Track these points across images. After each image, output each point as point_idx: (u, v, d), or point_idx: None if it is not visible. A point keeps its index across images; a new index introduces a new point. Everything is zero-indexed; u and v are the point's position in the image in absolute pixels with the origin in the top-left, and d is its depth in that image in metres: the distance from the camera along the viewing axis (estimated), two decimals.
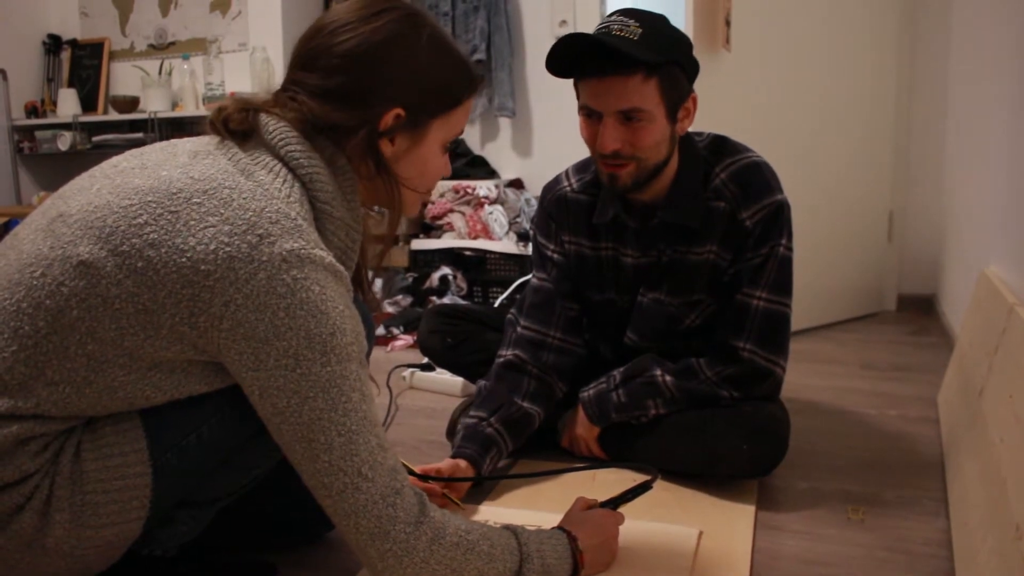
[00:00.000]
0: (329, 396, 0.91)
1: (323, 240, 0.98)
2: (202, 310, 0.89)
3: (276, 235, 0.90)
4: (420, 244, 3.48)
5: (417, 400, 2.19)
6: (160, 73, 3.99)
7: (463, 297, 3.37)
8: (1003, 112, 1.98)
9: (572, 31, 3.45)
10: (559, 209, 1.66)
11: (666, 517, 1.37)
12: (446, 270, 3.38)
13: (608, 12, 2.83)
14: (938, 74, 3.19)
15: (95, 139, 3.95)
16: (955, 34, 3.04)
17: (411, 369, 2.30)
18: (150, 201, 0.91)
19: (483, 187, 3.41)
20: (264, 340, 0.89)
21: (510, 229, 3.36)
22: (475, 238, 3.39)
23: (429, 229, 3.54)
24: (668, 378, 1.54)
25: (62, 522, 0.91)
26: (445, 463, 1.42)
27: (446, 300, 3.29)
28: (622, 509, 1.23)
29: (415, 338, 2.19)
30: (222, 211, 0.90)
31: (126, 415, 0.95)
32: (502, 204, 3.40)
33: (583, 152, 1.54)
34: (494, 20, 3.60)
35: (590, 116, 1.44)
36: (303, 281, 0.90)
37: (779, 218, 1.51)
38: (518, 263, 3.31)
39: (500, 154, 3.80)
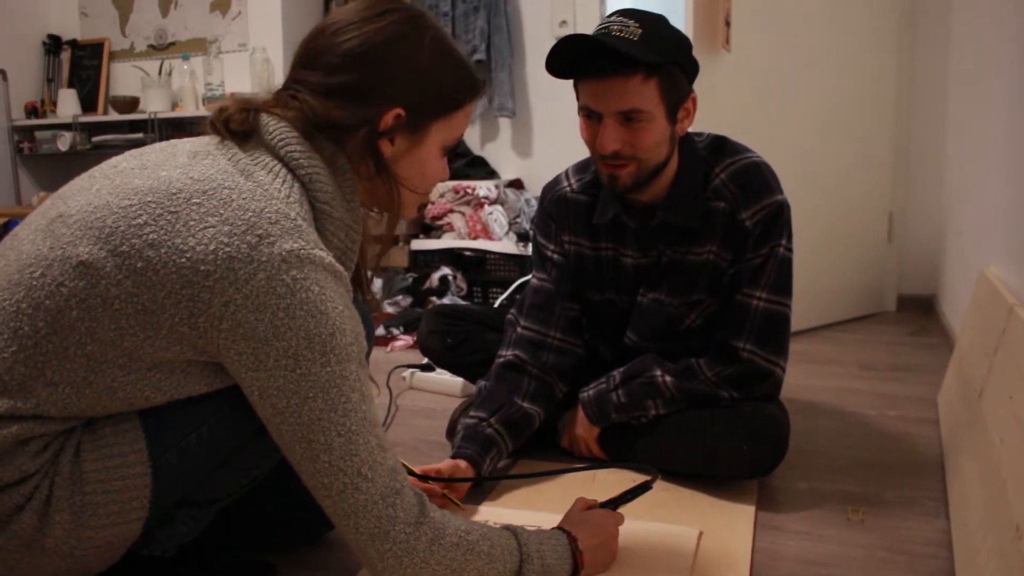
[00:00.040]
0: (329, 396, 0.91)
1: (323, 240, 0.98)
2: (201, 310, 0.89)
3: (276, 235, 0.90)
4: (420, 244, 3.48)
5: (417, 400, 2.19)
6: (160, 73, 3.99)
7: (463, 297, 3.37)
8: (1003, 112, 1.98)
9: (572, 31, 3.47)
10: (559, 209, 1.66)
11: (666, 517, 1.37)
12: (446, 270, 3.38)
13: (608, 12, 2.84)
14: (938, 74, 3.19)
15: (95, 139, 3.95)
16: (955, 34, 3.04)
17: (411, 369, 2.30)
18: (150, 201, 0.91)
19: (483, 187, 3.41)
20: (264, 340, 0.89)
21: (510, 229, 3.36)
22: (475, 238, 3.39)
23: (429, 229, 3.54)
24: (668, 378, 1.54)
25: (62, 522, 0.91)
26: (445, 463, 1.42)
27: (446, 300, 3.29)
28: (622, 509, 1.23)
29: (415, 338, 2.19)
30: (222, 211, 0.90)
31: (126, 415, 0.95)
32: (502, 204, 3.40)
33: (583, 152, 1.54)
34: (494, 20, 3.60)
35: (590, 117, 1.44)
36: (303, 281, 0.90)
37: (779, 218, 1.51)
38: (518, 263, 3.31)
39: (500, 154, 3.80)
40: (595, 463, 1.61)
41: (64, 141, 3.94)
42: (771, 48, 2.71)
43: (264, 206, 0.92)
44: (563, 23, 3.59)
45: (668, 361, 1.57)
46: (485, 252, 3.37)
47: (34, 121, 4.10)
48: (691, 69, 1.46)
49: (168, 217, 0.90)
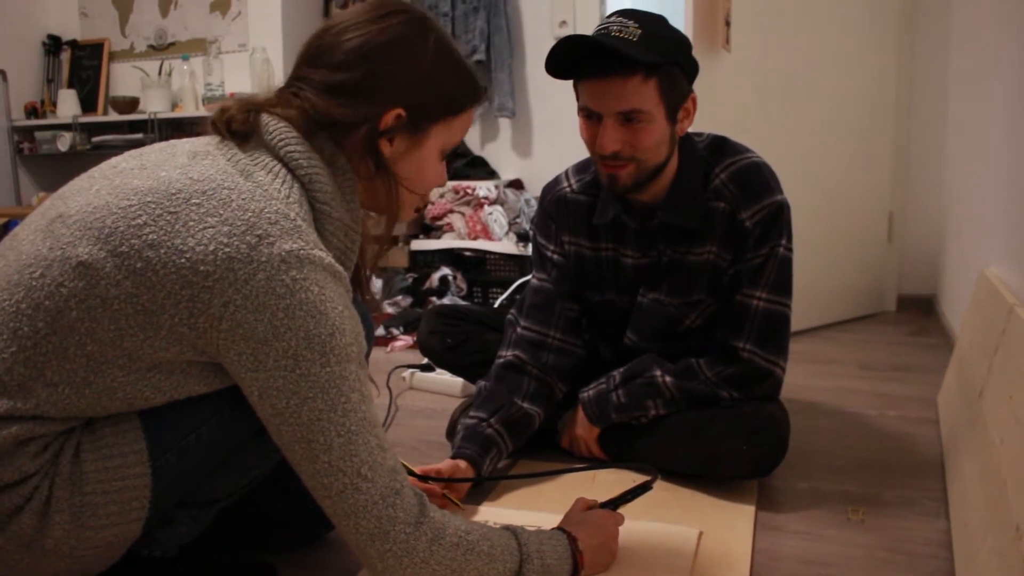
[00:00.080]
0: (328, 397, 0.91)
1: (322, 241, 0.98)
2: (201, 311, 0.89)
3: (275, 236, 0.90)
4: (420, 244, 3.48)
5: (417, 401, 2.19)
6: (160, 74, 3.99)
7: (463, 298, 3.37)
8: (1003, 112, 1.98)
9: (572, 32, 3.47)
10: (559, 210, 1.66)
11: (666, 517, 1.37)
12: (446, 270, 3.38)
13: (608, 13, 2.84)
14: (938, 74, 3.19)
15: (95, 140, 3.95)
16: (955, 34, 3.04)
17: (411, 370, 2.30)
18: (149, 202, 0.91)
19: (483, 187, 3.42)
20: (263, 341, 0.89)
21: (510, 230, 3.36)
22: (475, 239, 3.39)
23: (429, 230, 3.54)
24: (668, 378, 1.54)
25: (62, 523, 0.91)
26: (445, 464, 1.42)
27: (446, 301, 3.29)
28: (622, 509, 1.23)
29: (415, 339, 2.19)
30: (221, 212, 0.90)
31: (125, 416, 0.95)
32: (502, 205, 3.40)
33: (583, 153, 1.54)
34: (494, 21, 3.60)
35: (590, 117, 1.44)
36: (302, 282, 0.90)
37: (779, 218, 1.51)
38: (518, 264, 3.31)
39: (500, 154, 3.80)
40: (595, 463, 1.61)
41: (64, 141, 3.94)
42: (771, 48, 2.71)
43: (264, 206, 0.92)
44: (563, 23, 3.59)
45: (668, 361, 1.57)
46: (485, 252, 3.37)
47: (34, 121, 4.10)
48: (691, 69, 1.46)
49: (168, 217, 0.90)
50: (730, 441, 1.46)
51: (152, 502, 0.96)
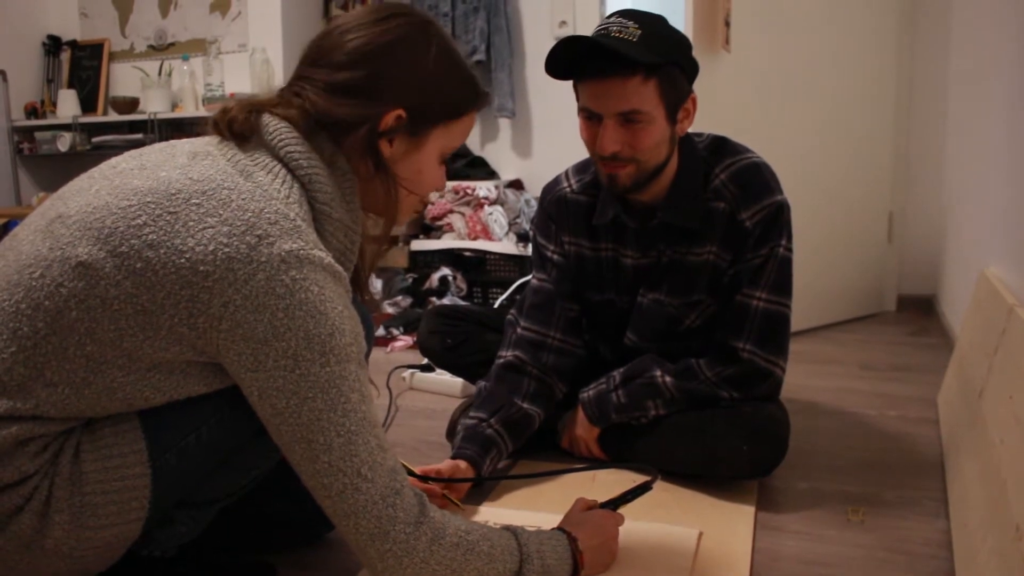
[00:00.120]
0: (328, 397, 0.91)
1: (322, 241, 0.98)
2: (201, 311, 0.89)
3: (275, 236, 0.90)
4: (420, 245, 3.48)
5: (417, 401, 2.19)
6: (160, 74, 3.99)
7: (463, 298, 3.37)
8: (1003, 112, 1.98)
9: (572, 32, 3.47)
10: (559, 210, 1.66)
11: (666, 518, 1.37)
12: (446, 271, 3.38)
13: (608, 13, 2.83)
14: (938, 74, 3.19)
15: (95, 140, 3.95)
16: (955, 34, 3.04)
17: (411, 370, 2.30)
18: (149, 202, 0.91)
19: (483, 188, 3.42)
20: (263, 341, 0.89)
21: (510, 230, 3.36)
22: (475, 239, 3.39)
23: (429, 230, 3.54)
24: (668, 379, 1.54)
25: (61, 523, 0.91)
26: (445, 464, 1.42)
27: (446, 301, 3.29)
28: (622, 510, 1.23)
29: (415, 339, 2.19)
30: (221, 212, 0.90)
31: (125, 416, 0.95)
32: (502, 205, 3.40)
33: (582, 153, 1.54)
34: (494, 21, 3.60)
35: (590, 118, 1.44)
36: (302, 282, 0.90)
37: (779, 219, 1.51)
38: (518, 264, 3.31)
39: (500, 155, 3.80)
40: (595, 463, 1.61)
41: (64, 142, 3.94)
42: (771, 48, 2.71)
43: (263, 207, 0.92)
44: (563, 23, 3.59)
45: (668, 361, 1.57)
46: (485, 252, 3.37)
47: (34, 122, 4.10)
48: (691, 69, 1.46)
49: (167, 218, 0.90)
50: (730, 441, 1.46)
51: (152, 502, 0.96)
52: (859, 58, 3.00)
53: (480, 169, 3.67)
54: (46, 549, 0.92)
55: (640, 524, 1.30)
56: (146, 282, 0.89)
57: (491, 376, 1.62)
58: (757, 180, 1.52)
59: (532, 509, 1.41)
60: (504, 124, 3.77)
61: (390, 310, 3.32)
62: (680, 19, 2.28)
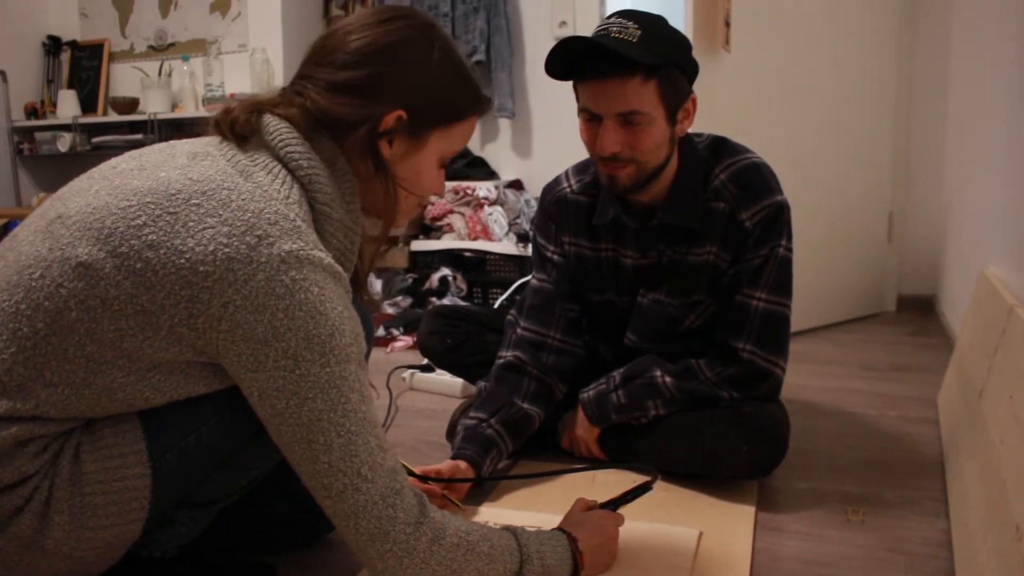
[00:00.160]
0: (328, 397, 0.91)
1: (322, 241, 0.98)
2: (201, 311, 0.89)
3: (275, 236, 0.90)
4: (420, 245, 3.48)
5: (417, 401, 2.19)
6: (160, 74, 3.99)
7: (463, 298, 3.37)
8: (1003, 112, 1.98)
9: (572, 32, 3.47)
10: (559, 210, 1.66)
11: (666, 518, 1.37)
12: (446, 271, 3.38)
13: (608, 13, 2.83)
14: (938, 74, 3.19)
15: (95, 140, 3.95)
16: (955, 34, 3.04)
17: (411, 370, 2.30)
18: (149, 202, 0.91)
19: (483, 188, 3.41)
20: (263, 341, 0.89)
21: (510, 230, 3.36)
22: (475, 239, 3.39)
23: (429, 230, 3.54)
24: (668, 379, 1.54)
25: (61, 524, 0.91)
26: (445, 464, 1.42)
27: (446, 301, 3.29)
28: (622, 510, 1.23)
29: (415, 339, 2.19)
30: (221, 212, 0.90)
31: (125, 416, 0.95)
32: (502, 205, 3.40)
33: (582, 153, 1.54)
34: (494, 21, 3.60)
35: (590, 119, 1.44)
36: (302, 282, 0.90)
37: (779, 219, 1.51)
38: (518, 264, 3.31)
39: (500, 155, 3.80)
40: (595, 464, 1.61)
41: (64, 142, 3.94)
42: (771, 48, 2.71)
43: (263, 207, 0.92)
44: (563, 24, 3.59)
45: (668, 362, 1.57)
46: (485, 253, 3.37)
47: (34, 122, 4.10)
48: (691, 70, 1.46)
49: (167, 218, 0.90)
50: (730, 441, 1.46)
51: (152, 503, 0.96)
52: (859, 58, 3.00)
53: (480, 169, 3.67)
54: (46, 550, 0.92)
55: (640, 524, 1.30)
56: (146, 282, 0.89)
57: (491, 376, 1.62)
58: (757, 180, 1.52)
59: (532, 509, 1.41)
60: (504, 124, 3.77)
61: (390, 310, 3.32)
62: (680, 19, 2.28)
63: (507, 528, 1.07)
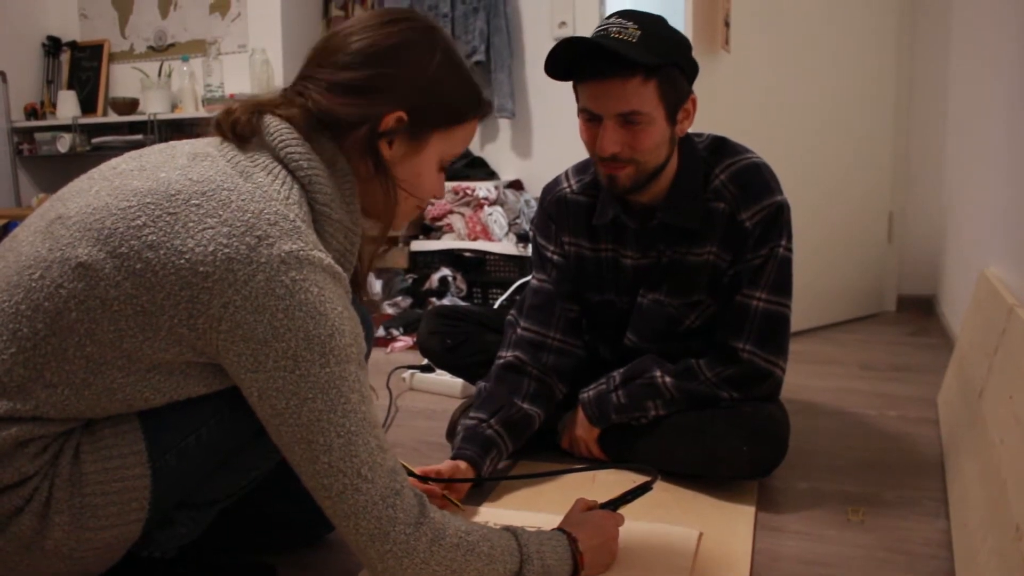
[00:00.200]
0: (328, 397, 0.91)
1: (321, 242, 0.98)
2: (200, 312, 0.89)
3: (275, 237, 0.90)
4: (419, 245, 3.48)
5: (417, 401, 2.19)
6: (159, 75, 3.99)
7: (463, 298, 3.37)
8: (1003, 112, 1.98)
9: (572, 32, 3.47)
10: (559, 210, 1.66)
11: (666, 518, 1.37)
12: (446, 271, 3.38)
13: (607, 14, 2.83)
14: (938, 74, 3.19)
15: (94, 141, 3.96)
16: (955, 34, 3.04)
17: (411, 370, 2.30)
18: (149, 203, 0.91)
19: (482, 188, 3.42)
20: (263, 341, 0.89)
21: (510, 230, 3.36)
22: (475, 239, 3.39)
23: (429, 230, 3.54)
24: (668, 379, 1.54)
25: (61, 524, 0.91)
26: (445, 464, 1.42)
27: (446, 301, 3.29)
28: (622, 510, 1.23)
29: (415, 339, 2.19)
30: (220, 213, 0.90)
31: (125, 417, 0.95)
32: (501, 205, 3.40)
33: (582, 153, 1.54)
34: (493, 22, 3.60)
35: (590, 119, 1.44)
36: (302, 283, 0.90)
37: (779, 219, 1.51)
38: (518, 264, 3.31)
39: (499, 155, 3.80)
40: (595, 464, 1.61)
41: (64, 143, 3.94)
42: (771, 48, 2.71)
43: (263, 207, 0.92)
44: (563, 24, 3.59)
45: (668, 362, 1.57)
46: (485, 253, 3.37)
47: (34, 123, 4.10)
48: (690, 70, 1.46)
49: (167, 218, 0.90)
50: (730, 441, 1.46)
51: (151, 503, 0.96)
52: (859, 58, 3.00)
53: (480, 169, 3.67)
54: (46, 550, 0.92)
55: (640, 524, 1.30)
56: (146, 283, 0.89)
57: (491, 377, 1.62)
58: (757, 180, 1.52)
59: (532, 509, 1.41)
60: (504, 124, 3.77)
61: (390, 311, 3.32)
62: (680, 19, 2.28)
63: (507, 528, 1.07)
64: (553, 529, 1.14)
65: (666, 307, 1.59)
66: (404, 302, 3.37)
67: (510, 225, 3.36)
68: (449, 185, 3.44)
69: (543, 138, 3.73)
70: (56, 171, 4.21)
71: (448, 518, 0.99)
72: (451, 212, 3.47)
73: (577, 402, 1.63)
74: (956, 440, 1.59)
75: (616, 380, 1.58)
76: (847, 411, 2.01)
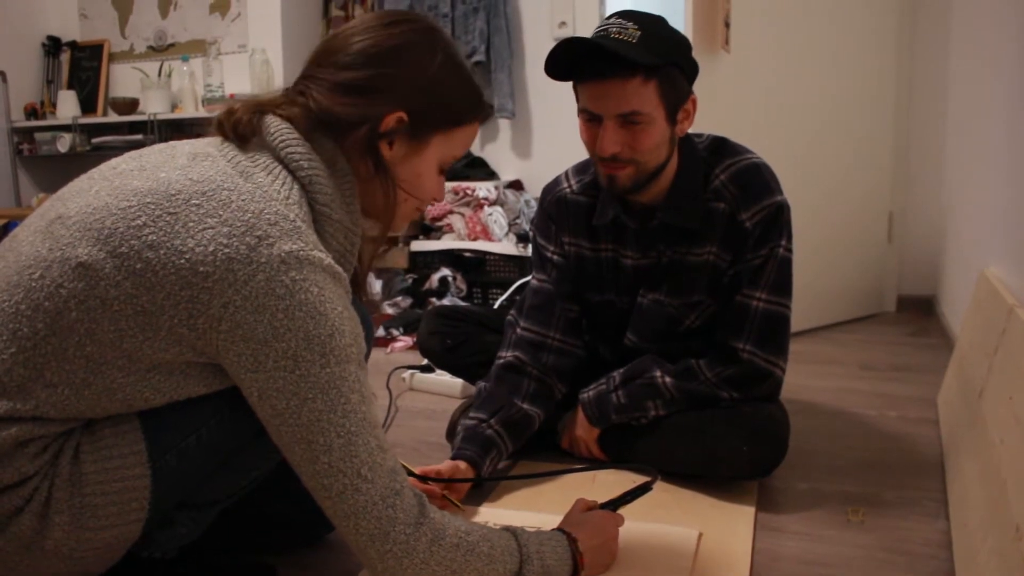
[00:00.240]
0: (328, 397, 0.91)
1: (321, 242, 0.98)
2: (201, 312, 0.89)
3: (275, 237, 0.90)
4: (419, 245, 3.48)
5: (417, 402, 2.19)
6: (159, 75, 3.99)
7: (463, 298, 3.37)
8: (1003, 112, 1.98)
9: (572, 33, 3.47)
10: (559, 210, 1.66)
11: (666, 518, 1.37)
12: (446, 271, 3.38)
13: (607, 14, 2.83)
14: (938, 74, 3.19)
15: (94, 141, 3.96)
16: (955, 34, 3.04)
17: (411, 371, 2.30)
18: (149, 203, 0.91)
19: (482, 188, 3.42)
20: (263, 341, 0.89)
21: (509, 230, 3.36)
22: (475, 239, 3.39)
23: (429, 230, 3.54)
24: (668, 379, 1.54)
25: (61, 524, 0.91)
26: (445, 464, 1.42)
27: (446, 301, 3.29)
28: (622, 510, 1.23)
29: (415, 339, 2.19)
30: (221, 213, 0.90)
31: (125, 417, 0.95)
32: (502, 205, 3.40)
33: (582, 153, 1.54)
34: (493, 22, 3.60)
35: (590, 119, 1.44)
36: (302, 283, 0.90)
37: (779, 219, 1.51)
38: (518, 264, 3.31)
39: (499, 155, 3.80)
40: (595, 464, 1.60)
41: (64, 143, 3.94)
42: (771, 48, 2.71)
43: (263, 207, 0.92)
44: (563, 24, 3.59)
45: (668, 362, 1.57)
46: (485, 253, 3.37)
47: (34, 123, 4.10)
48: (690, 70, 1.46)
49: (167, 218, 0.90)
50: (730, 442, 1.46)
51: (152, 503, 0.96)
52: (859, 58, 3.00)
53: (480, 170, 3.67)
54: (46, 550, 0.92)
55: (640, 524, 1.30)
56: (146, 283, 0.89)
57: (491, 377, 1.62)
58: (757, 180, 1.52)
59: (532, 510, 1.41)
60: (504, 125, 3.77)
61: (390, 311, 3.32)
62: (680, 19, 2.28)
63: (507, 528, 1.07)
64: (553, 529, 1.14)
65: (666, 307, 1.59)
66: (404, 302, 3.37)
67: (510, 225, 3.36)
68: (449, 185, 3.44)
69: (543, 138, 3.73)
70: (56, 171, 4.21)
71: (448, 518, 0.99)
72: (451, 212, 3.47)
73: (577, 402, 1.63)
74: (956, 440, 1.59)
75: (616, 380, 1.58)
76: (847, 411, 2.01)
